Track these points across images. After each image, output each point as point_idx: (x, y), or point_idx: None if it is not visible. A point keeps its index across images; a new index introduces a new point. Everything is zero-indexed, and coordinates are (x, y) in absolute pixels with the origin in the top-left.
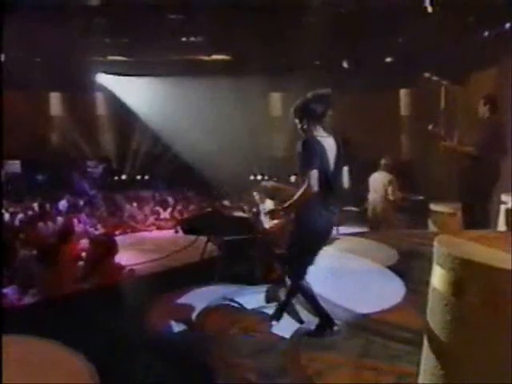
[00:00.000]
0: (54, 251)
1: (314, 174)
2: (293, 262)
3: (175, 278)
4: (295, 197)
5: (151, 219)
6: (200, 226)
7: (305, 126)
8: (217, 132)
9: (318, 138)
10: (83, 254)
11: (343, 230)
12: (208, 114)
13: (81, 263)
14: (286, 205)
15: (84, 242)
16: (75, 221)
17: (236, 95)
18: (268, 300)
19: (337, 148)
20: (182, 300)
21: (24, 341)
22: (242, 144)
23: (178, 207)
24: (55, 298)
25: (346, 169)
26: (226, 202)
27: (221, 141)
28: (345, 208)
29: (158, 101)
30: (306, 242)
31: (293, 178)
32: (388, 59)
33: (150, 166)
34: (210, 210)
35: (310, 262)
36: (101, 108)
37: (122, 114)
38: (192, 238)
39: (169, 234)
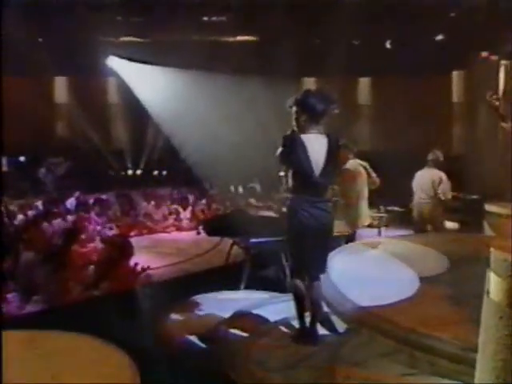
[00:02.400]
0: (61, 254)
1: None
2: (288, 259)
3: (196, 284)
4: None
5: (170, 219)
6: (224, 227)
7: (301, 121)
8: (242, 122)
9: (307, 135)
10: (94, 257)
11: (386, 232)
12: (232, 102)
13: (91, 267)
14: None
15: (95, 244)
16: (85, 220)
17: (264, 81)
18: None
19: (328, 148)
20: (204, 309)
21: (66, 335)
22: (271, 135)
23: (200, 206)
24: (62, 307)
25: None
26: (252, 201)
27: (247, 132)
28: (388, 208)
29: (176, 88)
30: (294, 239)
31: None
32: (438, 37)
33: (168, 160)
34: (235, 209)
35: (304, 260)
36: (113, 95)
37: (136, 102)
38: (215, 240)
39: (189, 235)
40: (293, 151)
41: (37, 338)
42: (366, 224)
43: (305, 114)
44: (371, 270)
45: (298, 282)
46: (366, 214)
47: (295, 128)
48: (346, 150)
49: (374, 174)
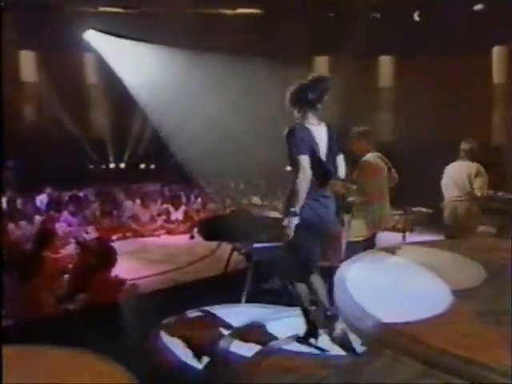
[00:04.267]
0: (30, 261)
1: (305, 159)
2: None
3: (190, 296)
4: (294, 189)
5: (159, 221)
6: (223, 230)
7: (301, 113)
8: (243, 109)
9: (307, 125)
10: (68, 265)
11: (412, 237)
12: (231, 86)
13: (65, 277)
14: (291, 200)
15: (70, 249)
16: (58, 221)
17: (268, 61)
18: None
19: (328, 137)
20: (200, 325)
21: (57, 351)
22: (277, 124)
23: (194, 205)
24: (30, 323)
25: (341, 157)
26: (255, 200)
27: (249, 120)
28: (414, 209)
29: (166, 69)
30: (304, 231)
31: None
32: (476, 7)
33: (157, 151)
34: (235, 209)
35: (308, 256)
36: (91, 75)
37: (119, 83)
38: (212, 245)
39: (182, 239)
40: (308, 140)
41: (25, 355)
42: (389, 226)
43: (301, 106)
44: (395, 281)
45: (296, 285)
46: (388, 214)
47: (298, 121)
48: (364, 139)
49: (392, 169)
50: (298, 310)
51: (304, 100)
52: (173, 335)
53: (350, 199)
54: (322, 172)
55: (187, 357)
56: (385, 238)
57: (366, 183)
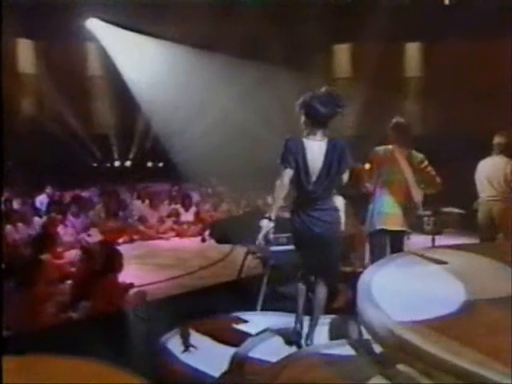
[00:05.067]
0: (29, 266)
1: (286, 172)
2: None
3: (202, 303)
4: (272, 195)
5: (168, 222)
6: (236, 233)
7: (306, 125)
8: (256, 101)
9: (309, 140)
10: (71, 271)
11: (442, 240)
12: (246, 78)
13: (68, 283)
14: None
15: (73, 254)
16: (59, 223)
17: (283, 48)
18: (333, 336)
19: (326, 155)
20: (213, 333)
21: (66, 361)
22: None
23: (206, 206)
24: (29, 333)
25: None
26: (271, 200)
27: (265, 115)
28: (444, 209)
29: (176, 63)
30: (294, 242)
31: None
32: None
33: (165, 148)
34: (249, 209)
35: (305, 264)
36: (95, 66)
37: (125, 75)
38: (225, 248)
39: (193, 242)
40: (293, 155)
41: (32, 364)
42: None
43: (309, 118)
44: (423, 288)
45: (300, 284)
46: (393, 212)
47: (303, 130)
48: (398, 134)
49: (432, 172)
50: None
51: (315, 114)
52: (202, 333)
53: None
54: (304, 189)
55: (201, 364)
56: (413, 241)
57: (370, 172)
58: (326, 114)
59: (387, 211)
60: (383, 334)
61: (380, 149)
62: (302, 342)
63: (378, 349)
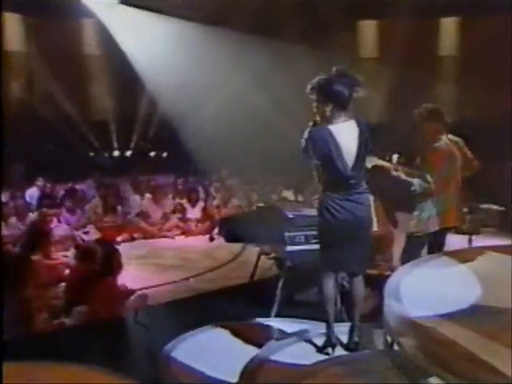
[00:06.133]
0: (19, 267)
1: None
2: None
3: (210, 308)
4: None
5: (173, 219)
6: (248, 231)
7: (327, 111)
8: (271, 83)
9: (335, 125)
10: (65, 272)
11: (480, 240)
12: (257, 54)
13: (61, 285)
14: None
15: (67, 253)
16: (52, 219)
17: (301, 24)
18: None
19: (360, 137)
20: (221, 341)
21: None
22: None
23: (214, 201)
24: (19, 340)
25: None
26: (287, 194)
27: (278, 96)
28: (482, 206)
29: (182, 41)
30: (328, 235)
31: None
32: None
33: (170, 137)
34: (263, 205)
35: (340, 257)
36: (92, 44)
37: (125, 55)
38: (236, 248)
39: (200, 241)
40: (322, 146)
41: (33, 371)
42: (458, 224)
43: (330, 102)
44: (456, 294)
45: (328, 288)
46: (456, 209)
47: (318, 118)
48: (435, 122)
49: (470, 155)
50: (338, 326)
51: (337, 97)
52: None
53: (413, 188)
54: (342, 176)
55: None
56: (448, 241)
57: (433, 171)
58: (349, 95)
59: (447, 209)
60: (407, 343)
61: (441, 144)
62: (330, 350)
63: (406, 361)
